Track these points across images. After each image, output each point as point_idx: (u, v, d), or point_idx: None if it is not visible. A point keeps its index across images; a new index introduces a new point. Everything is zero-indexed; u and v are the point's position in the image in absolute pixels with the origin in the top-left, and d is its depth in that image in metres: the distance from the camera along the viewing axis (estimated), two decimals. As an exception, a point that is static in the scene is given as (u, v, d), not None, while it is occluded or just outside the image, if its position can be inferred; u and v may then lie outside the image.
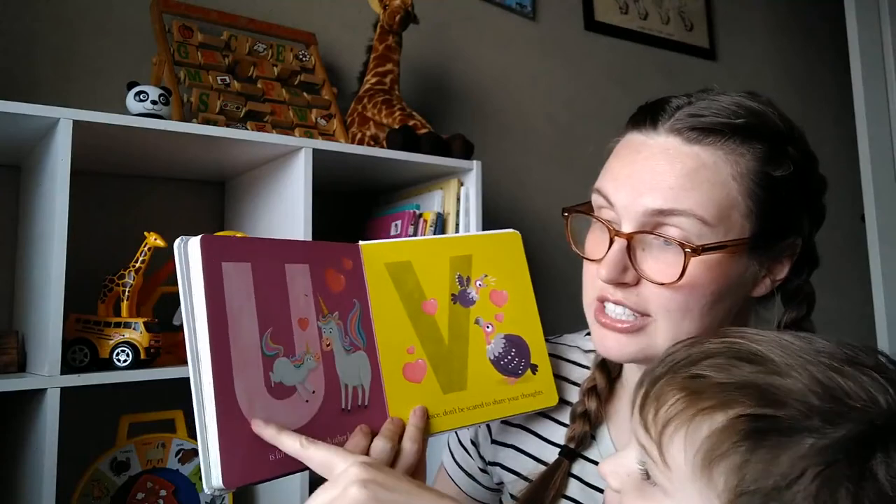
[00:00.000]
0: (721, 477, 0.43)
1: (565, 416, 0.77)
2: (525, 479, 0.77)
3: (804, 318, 0.71)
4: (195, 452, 1.19)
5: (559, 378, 0.79)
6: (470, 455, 0.85)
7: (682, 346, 0.51)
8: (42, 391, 0.98)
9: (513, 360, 0.72)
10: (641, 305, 0.65)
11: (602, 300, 0.67)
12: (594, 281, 0.68)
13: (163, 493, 1.15)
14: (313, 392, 0.61)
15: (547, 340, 0.76)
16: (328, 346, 0.63)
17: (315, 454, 0.57)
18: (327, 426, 0.61)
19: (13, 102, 0.99)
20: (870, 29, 2.17)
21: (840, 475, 0.40)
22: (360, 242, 0.68)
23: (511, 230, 0.77)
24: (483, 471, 0.84)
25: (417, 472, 0.65)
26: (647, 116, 0.67)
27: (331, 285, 0.65)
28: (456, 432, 0.88)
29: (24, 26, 1.31)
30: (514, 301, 0.74)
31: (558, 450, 0.76)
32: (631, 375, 0.75)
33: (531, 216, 1.87)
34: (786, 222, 0.67)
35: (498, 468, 0.81)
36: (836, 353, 0.46)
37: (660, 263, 0.63)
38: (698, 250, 0.61)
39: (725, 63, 2.44)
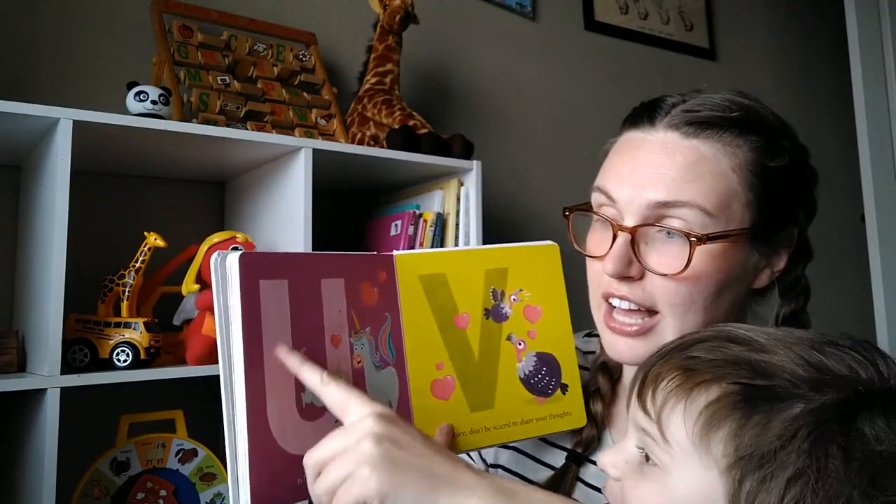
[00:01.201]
0: (719, 444, 0.45)
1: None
2: (528, 480, 0.77)
3: (801, 311, 0.71)
4: (195, 452, 1.19)
5: None
6: (471, 458, 0.84)
7: (674, 340, 0.54)
8: (42, 391, 0.98)
9: (543, 378, 0.70)
10: (647, 300, 0.65)
11: (607, 297, 0.68)
12: (599, 279, 0.69)
13: (163, 493, 1.15)
14: None
15: None
16: (359, 363, 0.61)
17: (332, 393, 0.54)
18: None
19: (13, 102, 0.99)
20: (870, 29, 2.17)
21: (831, 432, 0.43)
22: (395, 252, 0.66)
23: (549, 242, 0.74)
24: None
25: None
26: (644, 115, 0.68)
27: (365, 299, 0.63)
28: None
29: (25, 26, 1.30)
30: (547, 317, 0.71)
31: (558, 451, 0.76)
32: (631, 376, 0.75)
33: (531, 216, 1.87)
34: (783, 213, 0.68)
35: (500, 470, 0.80)
36: (815, 338, 0.49)
37: (664, 256, 0.64)
38: (703, 239, 0.62)
39: (725, 63, 2.44)
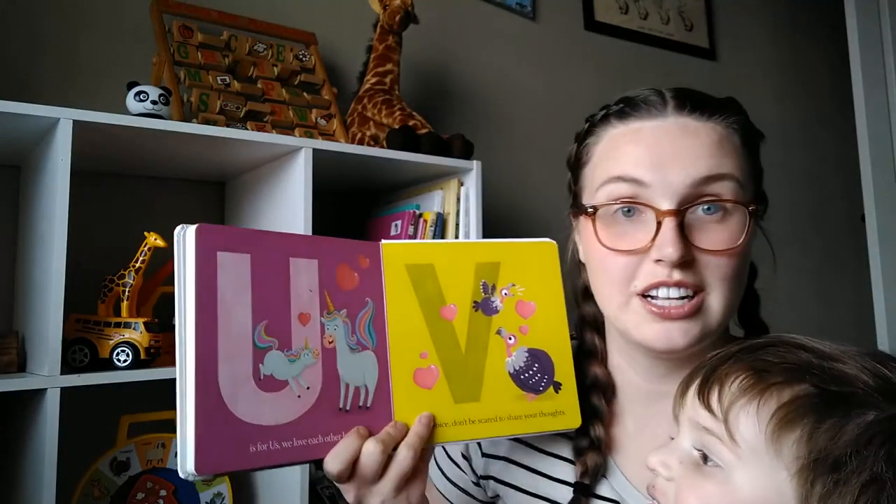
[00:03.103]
0: (792, 447, 0.46)
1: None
2: (524, 491, 0.75)
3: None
4: (195, 452, 1.19)
5: None
6: (462, 470, 0.83)
7: (734, 344, 0.55)
8: (42, 391, 0.98)
9: (534, 375, 0.68)
10: (699, 281, 0.64)
11: (654, 288, 0.64)
12: (631, 273, 0.65)
13: (163, 493, 1.15)
14: (307, 388, 0.60)
15: None
16: (331, 342, 0.62)
17: None
18: (320, 424, 0.60)
19: (13, 102, 0.99)
20: (870, 29, 2.17)
21: None
22: (383, 241, 0.67)
23: (548, 240, 0.73)
24: (476, 484, 0.82)
25: (414, 481, 0.63)
26: (640, 106, 0.68)
27: (341, 282, 0.64)
28: (444, 448, 0.85)
29: (25, 27, 1.31)
30: (542, 313, 0.70)
31: (551, 458, 0.74)
32: (628, 395, 0.73)
33: (531, 216, 1.87)
34: (760, 188, 0.70)
35: (492, 481, 0.79)
36: (874, 352, 0.50)
37: (714, 232, 0.64)
38: (756, 210, 0.65)
39: (725, 63, 2.44)
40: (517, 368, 0.68)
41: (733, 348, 0.54)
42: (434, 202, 1.43)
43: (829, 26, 2.57)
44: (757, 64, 2.55)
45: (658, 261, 0.63)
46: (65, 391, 0.98)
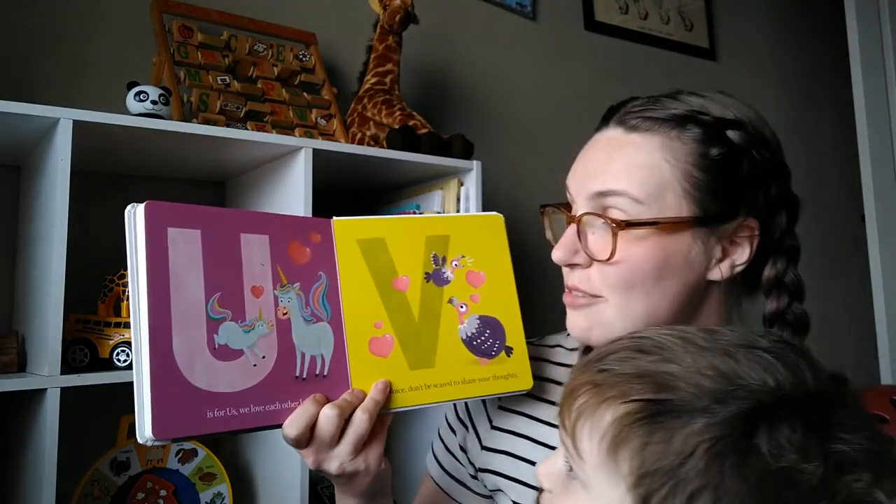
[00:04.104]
0: (625, 461, 0.45)
1: (555, 418, 0.76)
2: (524, 484, 0.75)
3: (786, 310, 0.71)
4: (195, 452, 1.19)
5: (544, 380, 0.78)
6: (460, 462, 0.84)
7: (602, 346, 0.54)
8: (42, 391, 0.98)
9: (486, 341, 0.72)
10: (593, 287, 0.69)
11: (570, 289, 0.72)
12: (563, 270, 0.73)
13: (163, 493, 1.15)
14: (263, 357, 0.62)
15: (529, 343, 0.75)
16: (284, 314, 0.64)
17: None
18: (277, 391, 0.62)
19: (13, 102, 0.99)
20: (870, 29, 2.17)
21: (726, 450, 0.43)
22: (334, 218, 0.69)
23: (494, 213, 0.78)
24: (474, 477, 0.83)
25: (371, 444, 0.66)
26: (605, 115, 0.74)
27: (294, 257, 0.66)
28: (442, 440, 0.87)
29: (25, 26, 1.31)
30: (491, 283, 0.74)
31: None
32: None
33: (531, 216, 1.86)
34: (729, 203, 0.68)
35: (490, 475, 0.79)
36: (734, 340, 0.49)
37: (600, 242, 0.68)
38: (622, 225, 0.66)
39: (725, 63, 2.44)
40: (469, 335, 0.71)
41: (591, 355, 0.53)
42: (434, 202, 1.43)
43: (829, 26, 2.57)
44: (757, 64, 2.55)
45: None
46: (65, 391, 0.98)
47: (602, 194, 0.68)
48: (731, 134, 0.68)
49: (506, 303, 0.74)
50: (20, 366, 1.07)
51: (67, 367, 1.04)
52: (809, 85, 2.68)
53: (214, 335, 0.60)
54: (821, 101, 2.67)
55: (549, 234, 0.78)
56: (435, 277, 0.72)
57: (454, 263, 0.73)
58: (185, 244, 0.60)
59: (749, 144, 0.69)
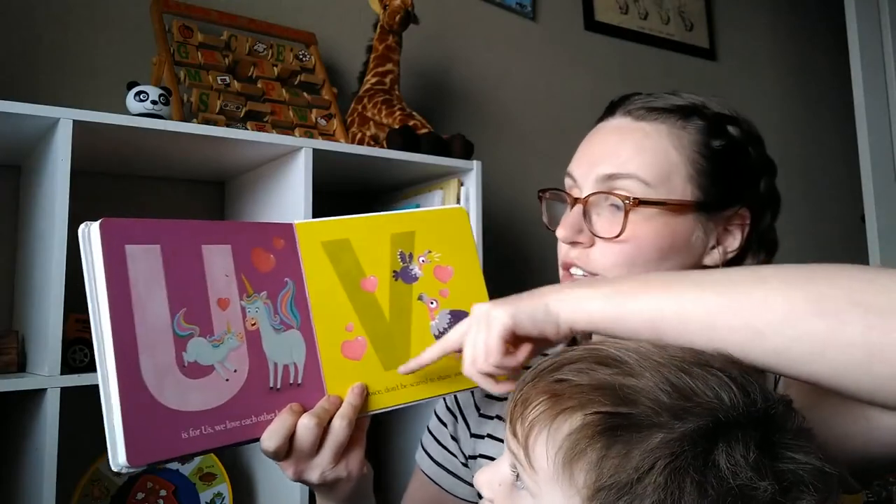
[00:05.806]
0: (581, 474, 0.45)
1: None
2: None
3: None
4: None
5: (526, 368, 0.79)
6: (451, 452, 0.84)
7: (551, 355, 0.53)
8: (42, 391, 0.98)
9: None
10: (593, 265, 0.71)
11: (566, 266, 0.73)
12: (560, 250, 0.74)
13: (163, 493, 1.15)
14: (235, 371, 0.61)
15: None
16: (253, 325, 0.63)
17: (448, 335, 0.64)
18: (252, 405, 0.61)
19: (13, 102, 0.99)
20: (870, 29, 2.17)
21: (686, 465, 0.43)
22: (295, 221, 0.69)
23: (457, 206, 0.77)
24: (465, 465, 0.84)
25: (351, 451, 0.66)
26: (609, 108, 0.77)
27: (257, 265, 0.65)
28: (432, 434, 0.88)
29: (25, 26, 1.30)
30: (460, 276, 0.73)
31: None
32: None
33: (531, 216, 1.86)
34: (728, 191, 0.72)
35: (479, 460, 0.81)
36: (687, 357, 0.48)
37: (607, 222, 0.70)
38: (634, 202, 0.69)
39: (725, 63, 2.44)
40: (441, 330, 0.71)
41: (543, 364, 0.51)
42: (434, 202, 1.43)
43: (829, 26, 2.57)
44: (757, 64, 2.55)
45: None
46: (65, 391, 0.98)
47: (611, 177, 0.70)
48: (730, 129, 0.73)
49: (475, 296, 0.73)
50: (20, 366, 1.07)
51: (67, 367, 1.04)
52: (809, 85, 2.68)
53: (183, 352, 0.58)
54: (820, 102, 2.67)
55: (545, 219, 0.79)
56: (403, 275, 0.71)
57: (421, 259, 0.72)
58: (145, 260, 0.58)
59: (745, 140, 0.74)
